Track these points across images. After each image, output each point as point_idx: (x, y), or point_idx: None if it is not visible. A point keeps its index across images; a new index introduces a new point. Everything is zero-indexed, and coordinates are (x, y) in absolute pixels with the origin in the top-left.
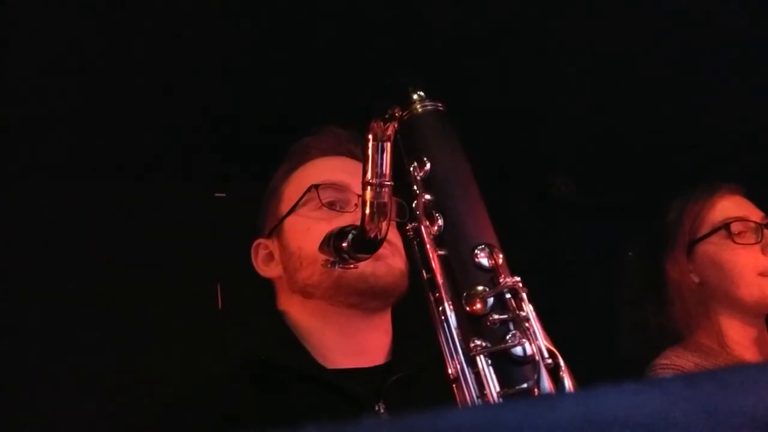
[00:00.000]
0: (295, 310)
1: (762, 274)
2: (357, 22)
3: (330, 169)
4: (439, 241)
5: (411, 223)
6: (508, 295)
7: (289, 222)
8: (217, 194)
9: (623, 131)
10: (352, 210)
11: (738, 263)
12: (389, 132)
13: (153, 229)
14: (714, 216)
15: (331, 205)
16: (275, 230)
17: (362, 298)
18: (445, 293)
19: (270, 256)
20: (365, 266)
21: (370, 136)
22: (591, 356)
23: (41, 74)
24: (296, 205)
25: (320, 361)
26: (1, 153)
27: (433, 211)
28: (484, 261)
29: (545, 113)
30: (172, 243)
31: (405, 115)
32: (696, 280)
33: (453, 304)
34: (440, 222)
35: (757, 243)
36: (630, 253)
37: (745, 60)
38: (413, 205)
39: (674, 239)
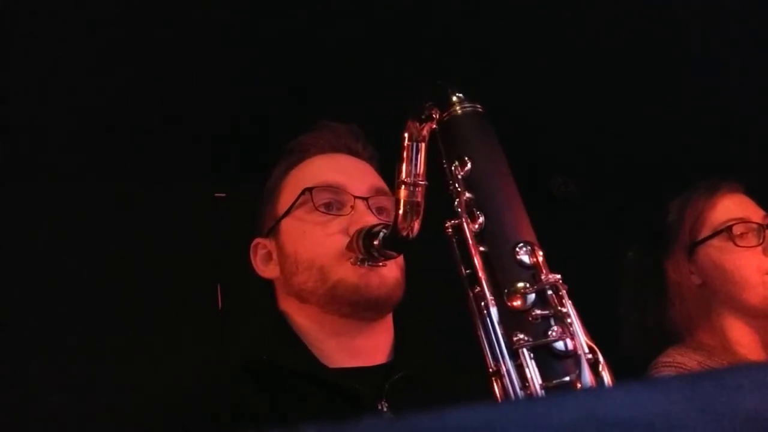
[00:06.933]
0: (293, 312)
1: (766, 274)
2: (354, 22)
3: (326, 169)
4: (479, 238)
5: (451, 221)
6: (549, 292)
7: (285, 224)
8: (217, 194)
9: (623, 132)
10: (347, 213)
11: (741, 266)
12: (425, 132)
13: (153, 229)
14: (715, 217)
15: (325, 208)
16: (272, 231)
17: (355, 309)
18: (487, 289)
19: (268, 256)
20: (359, 278)
21: (406, 136)
22: None
23: (42, 75)
24: (291, 207)
25: (322, 361)
26: (1, 153)
27: (474, 209)
28: (525, 258)
29: (546, 114)
30: (172, 243)
31: (445, 116)
32: (697, 281)
33: (494, 300)
34: (481, 220)
35: (759, 245)
36: (630, 253)
37: (745, 61)
38: (455, 203)
39: (675, 240)
